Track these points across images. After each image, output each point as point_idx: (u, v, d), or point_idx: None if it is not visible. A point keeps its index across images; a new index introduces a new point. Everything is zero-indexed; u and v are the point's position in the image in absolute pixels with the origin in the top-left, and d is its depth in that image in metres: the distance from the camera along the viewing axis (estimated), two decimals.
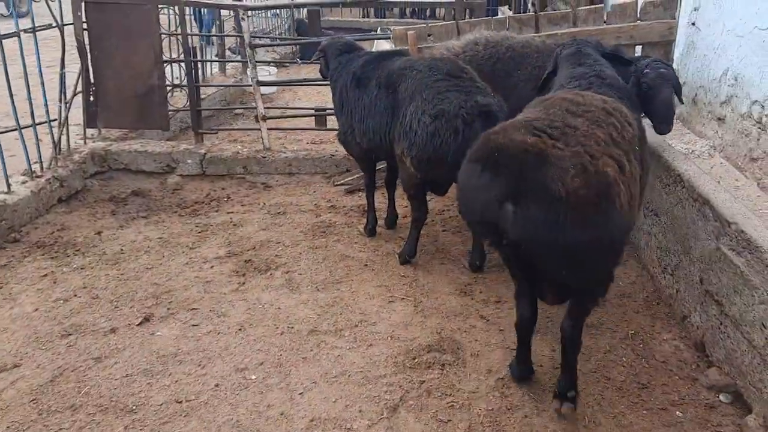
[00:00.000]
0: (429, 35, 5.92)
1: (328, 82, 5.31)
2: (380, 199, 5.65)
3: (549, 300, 3.26)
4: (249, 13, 6.28)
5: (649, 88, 4.29)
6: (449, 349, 3.83)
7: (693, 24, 6.03)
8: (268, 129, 6.79)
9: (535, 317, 3.34)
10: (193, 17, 10.21)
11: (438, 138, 4.09)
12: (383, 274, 4.70)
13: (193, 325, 4.15)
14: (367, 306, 4.30)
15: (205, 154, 6.71)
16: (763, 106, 4.62)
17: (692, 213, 3.97)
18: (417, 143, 4.19)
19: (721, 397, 3.38)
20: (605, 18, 5.79)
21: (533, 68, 4.82)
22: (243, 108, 9.00)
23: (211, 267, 4.92)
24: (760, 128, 4.63)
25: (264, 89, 9.21)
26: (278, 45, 8.89)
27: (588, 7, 5.90)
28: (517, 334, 3.45)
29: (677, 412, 3.31)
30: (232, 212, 5.98)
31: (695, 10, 5.99)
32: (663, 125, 4.35)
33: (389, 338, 3.95)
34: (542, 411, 3.32)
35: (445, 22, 6.14)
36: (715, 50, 5.50)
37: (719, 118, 5.20)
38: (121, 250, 5.23)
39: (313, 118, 7.41)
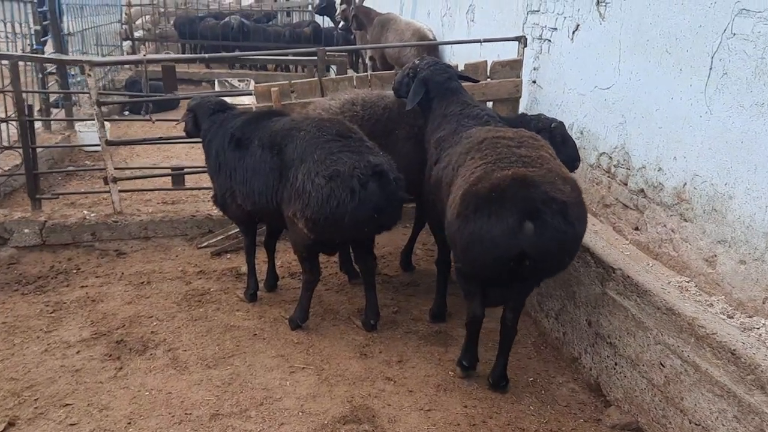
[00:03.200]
0: (292, 92, 5.87)
1: (200, 141, 5.04)
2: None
3: (498, 302, 3.93)
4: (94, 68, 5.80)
5: (562, 137, 4.74)
6: (364, 417, 3.72)
7: (534, 82, 6.60)
8: (120, 191, 6.27)
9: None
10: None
11: (334, 199, 4.03)
12: (276, 343, 4.49)
13: (71, 425, 3.64)
14: (267, 380, 4.06)
15: (45, 222, 6.02)
16: (611, 157, 5.14)
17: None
18: (311, 205, 4.09)
19: None
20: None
21: (410, 127, 4.94)
22: (82, 169, 8.21)
23: (77, 352, 4.38)
24: (609, 177, 5.13)
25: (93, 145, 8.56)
26: (131, 101, 8.22)
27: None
28: (468, 330, 4.01)
29: None
30: (86, 286, 5.40)
31: (535, 69, 6.57)
32: (576, 163, 4.89)
33: (300, 413, 3.75)
34: None
35: (307, 79, 6.12)
36: (559, 106, 6.05)
37: None
38: None
39: (169, 177, 6.97)
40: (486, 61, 6.11)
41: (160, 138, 6.42)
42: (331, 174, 4.06)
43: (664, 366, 3.35)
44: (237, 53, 10.26)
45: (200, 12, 17.14)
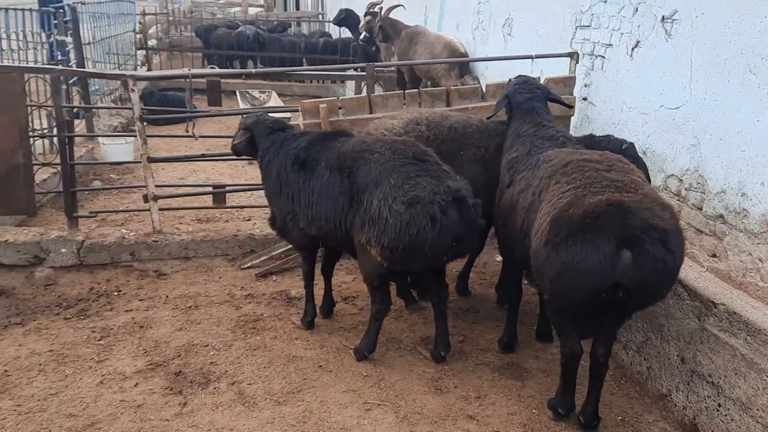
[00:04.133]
0: (340, 108, 5.67)
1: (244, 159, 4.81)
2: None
3: (588, 335, 3.67)
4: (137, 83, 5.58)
5: (634, 159, 4.48)
6: None
7: (585, 99, 6.42)
8: (160, 210, 6.03)
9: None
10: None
11: (413, 226, 3.81)
12: (344, 376, 4.26)
13: None
14: (344, 418, 3.83)
15: (83, 241, 5.78)
16: (681, 180, 4.95)
17: None
18: (389, 232, 3.87)
19: None
20: None
21: (476, 148, 4.75)
22: (123, 187, 7.93)
23: (135, 385, 4.14)
24: (680, 200, 4.94)
25: (115, 158, 8.32)
26: (175, 117, 7.83)
27: (495, 83, 6.03)
28: (565, 370, 3.72)
29: None
30: (131, 310, 5.15)
31: (586, 86, 6.40)
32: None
33: None
34: None
35: (355, 95, 5.92)
36: (616, 125, 5.87)
37: None
38: (5, 371, 4.25)
39: (205, 196, 6.74)
40: (539, 77, 5.91)
41: (203, 155, 6.19)
42: (410, 200, 3.85)
43: None
44: (285, 68, 10.00)
45: (206, 21, 16.93)
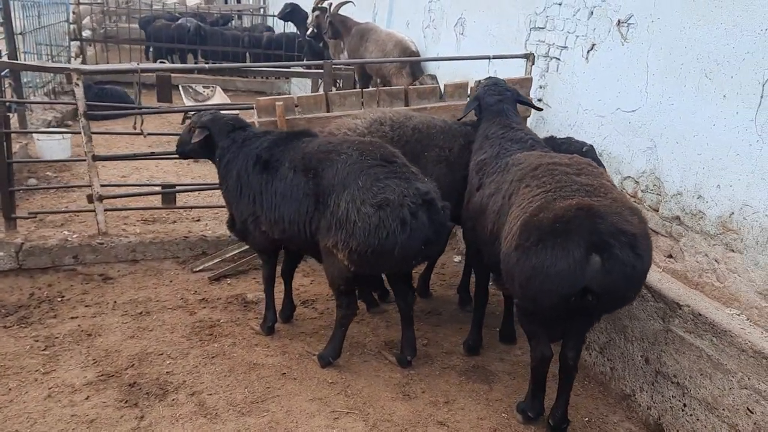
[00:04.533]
0: (296, 106, 5.52)
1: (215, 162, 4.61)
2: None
3: (556, 339, 3.67)
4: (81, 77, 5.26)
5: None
6: None
7: (540, 100, 6.47)
8: (105, 210, 5.74)
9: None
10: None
11: (383, 230, 3.73)
12: (309, 383, 4.13)
13: None
14: (312, 428, 3.71)
15: (22, 244, 5.44)
16: (637, 182, 5.04)
17: None
18: (357, 235, 3.77)
19: None
20: (469, 93, 5.92)
21: (440, 149, 4.70)
22: (65, 186, 7.52)
23: (86, 398, 3.90)
24: (636, 202, 5.02)
25: (52, 155, 7.90)
26: (122, 113, 7.35)
27: (454, 83, 6.00)
28: (535, 374, 3.69)
29: None
30: (76, 317, 4.88)
31: (541, 87, 6.45)
32: None
33: None
34: None
35: (312, 93, 5.78)
36: (572, 126, 5.93)
37: None
38: None
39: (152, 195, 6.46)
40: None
41: (152, 153, 5.92)
42: (379, 202, 3.76)
43: (753, 412, 3.21)
44: (240, 64, 9.66)
45: (143, 13, 16.36)
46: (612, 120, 5.40)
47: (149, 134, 5.79)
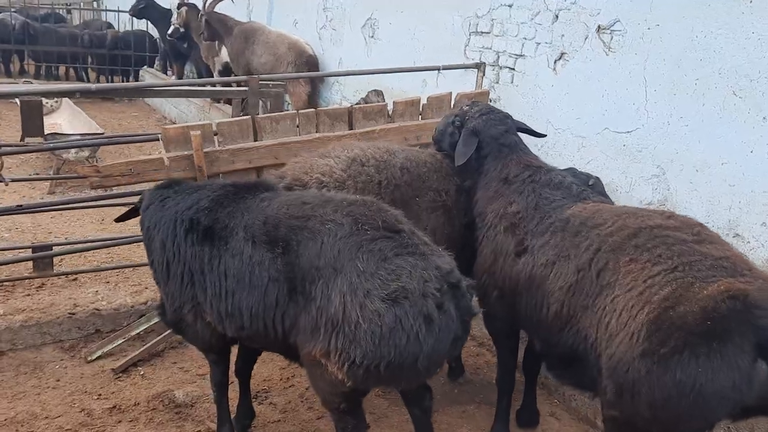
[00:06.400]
0: (215, 134, 4.15)
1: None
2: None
3: None
4: None
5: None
6: None
7: None
8: None
9: None
10: None
11: (402, 334, 2.54)
12: None
13: None
14: None
15: None
16: None
17: None
18: (361, 343, 2.55)
19: None
20: (421, 111, 4.86)
21: (436, 193, 3.62)
22: None
23: None
24: None
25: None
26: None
27: (404, 100, 4.89)
28: None
29: None
30: None
31: (492, 101, 5.52)
32: None
33: None
34: None
35: (234, 118, 4.42)
36: (539, 148, 5.03)
37: None
38: None
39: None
40: (451, 93, 4.91)
41: (20, 206, 4.17)
42: (393, 294, 2.55)
43: None
44: (145, 83, 7.60)
45: None
46: (598, 141, 4.62)
47: (13, 180, 4.07)
